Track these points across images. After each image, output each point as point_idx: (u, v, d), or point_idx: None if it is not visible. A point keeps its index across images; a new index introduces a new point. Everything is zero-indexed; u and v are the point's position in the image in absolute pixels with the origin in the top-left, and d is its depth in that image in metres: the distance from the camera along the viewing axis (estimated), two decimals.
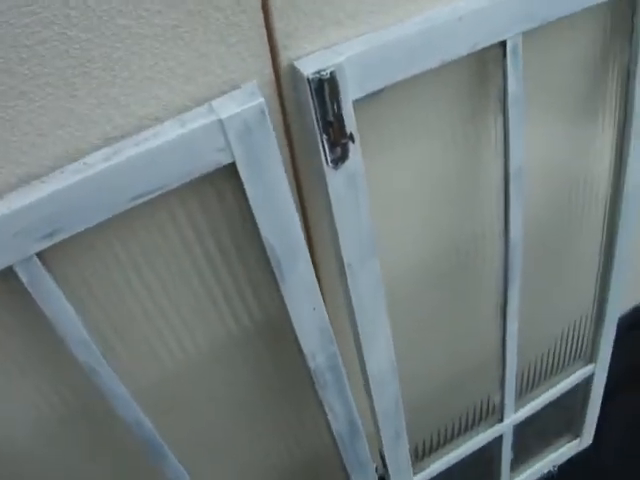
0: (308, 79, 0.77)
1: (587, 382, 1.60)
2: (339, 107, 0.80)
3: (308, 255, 0.90)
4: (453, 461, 1.44)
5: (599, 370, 1.57)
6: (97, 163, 0.74)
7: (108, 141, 0.77)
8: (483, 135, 1.04)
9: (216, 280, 0.96)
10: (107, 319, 0.90)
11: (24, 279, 0.76)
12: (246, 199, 0.82)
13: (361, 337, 1.03)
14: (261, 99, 0.75)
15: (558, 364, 1.54)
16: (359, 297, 0.98)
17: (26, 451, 0.99)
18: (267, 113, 0.76)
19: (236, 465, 1.25)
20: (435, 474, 1.43)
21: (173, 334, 0.98)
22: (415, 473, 1.39)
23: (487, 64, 0.96)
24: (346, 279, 0.96)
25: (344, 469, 1.23)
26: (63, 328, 0.81)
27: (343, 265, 0.94)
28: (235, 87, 0.81)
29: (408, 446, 1.29)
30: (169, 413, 1.04)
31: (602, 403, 1.72)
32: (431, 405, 1.37)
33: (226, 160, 0.78)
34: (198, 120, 0.75)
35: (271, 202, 0.83)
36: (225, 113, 0.75)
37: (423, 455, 1.43)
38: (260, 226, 0.84)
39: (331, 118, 0.80)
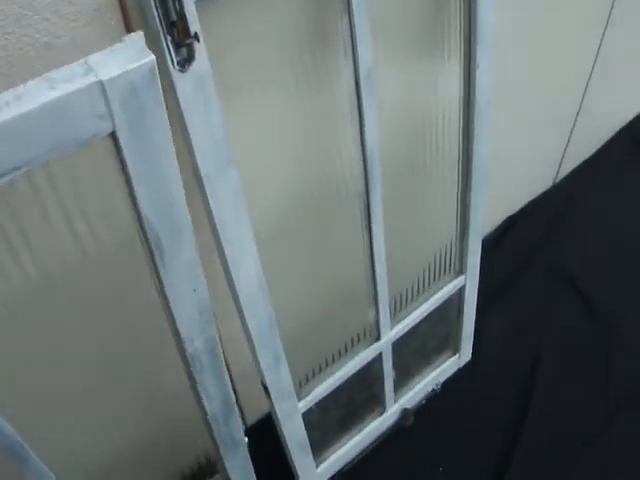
0: None
1: (459, 295, 1.65)
2: (181, 6, 0.78)
3: (192, 235, 0.86)
4: (336, 383, 1.45)
5: (469, 281, 1.61)
6: None
7: None
8: (330, 38, 1.04)
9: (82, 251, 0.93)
10: None
11: None
12: (126, 173, 0.76)
13: (227, 253, 1.01)
14: (151, 56, 0.69)
15: (430, 279, 1.58)
16: (220, 209, 0.96)
17: None
18: (157, 73, 0.70)
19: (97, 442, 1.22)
20: (320, 398, 1.44)
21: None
22: (299, 399, 1.39)
23: None
24: (205, 191, 0.94)
25: (216, 446, 1.22)
26: None
27: (200, 176, 0.92)
28: None
29: (289, 369, 1.28)
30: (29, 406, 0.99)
31: (477, 319, 1.78)
32: (308, 329, 1.39)
33: (106, 129, 0.71)
34: (73, 81, 0.67)
35: (155, 177, 0.78)
36: (107, 73, 0.68)
37: (307, 381, 1.43)
38: (140, 204, 0.79)
39: (174, 17, 0.78)
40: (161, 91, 0.73)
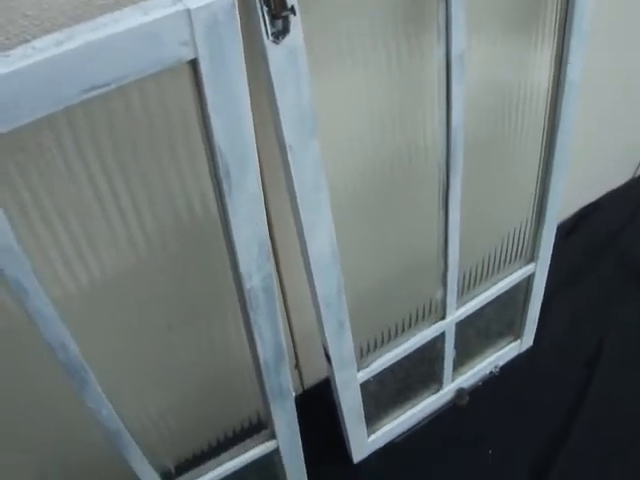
0: None
1: (528, 281, 1.64)
2: None
3: (258, 168, 0.89)
4: (397, 358, 1.47)
5: (539, 270, 1.61)
6: (47, 48, 0.68)
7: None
8: (426, 20, 1.04)
9: (164, 184, 0.95)
10: (39, 227, 0.89)
11: None
12: (202, 101, 0.79)
13: (303, 220, 1.04)
14: None
15: (500, 264, 1.57)
16: (300, 178, 0.99)
17: None
18: (237, 8, 0.74)
19: (153, 383, 1.25)
20: (379, 371, 1.46)
21: (107, 236, 0.97)
22: (359, 369, 1.41)
23: None
24: (288, 161, 0.96)
25: (264, 396, 1.25)
26: None
27: (285, 146, 0.94)
28: None
29: (352, 338, 1.30)
30: (92, 334, 1.01)
31: (542, 306, 1.78)
32: (375, 300, 1.40)
33: (189, 55, 0.75)
34: (163, 8, 0.71)
35: (229, 106, 0.81)
36: (194, 3, 0.72)
37: (368, 351, 1.45)
38: (215, 133, 0.82)
39: None
40: (239, 27, 0.76)
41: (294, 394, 1.61)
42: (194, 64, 0.76)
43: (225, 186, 0.88)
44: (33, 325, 0.86)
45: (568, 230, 2.10)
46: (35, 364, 1.02)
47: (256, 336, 1.09)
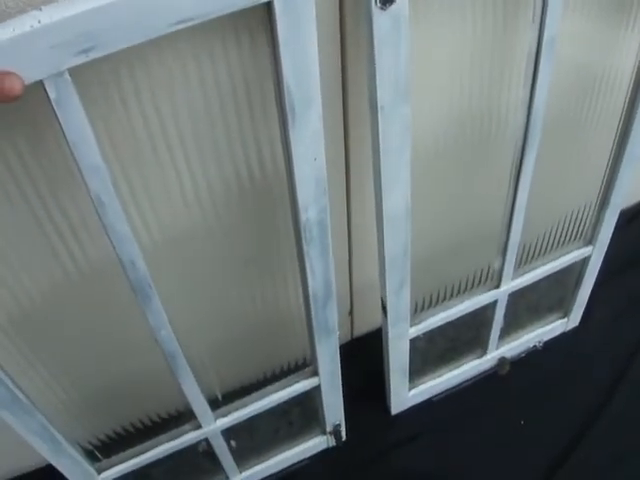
0: None
1: (583, 263, 1.68)
2: None
3: (320, 107, 0.93)
4: (449, 319, 1.53)
5: (596, 253, 1.65)
6: None
7: None
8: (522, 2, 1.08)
9: (235, 120, 1.00)
10: (121, 151, 0.94)
11: (52, 96, 0.76)
12: (274, 40, 0.85)
13: (382, 180, 1.09)
14: None
15: (559, 241, 1.61)
16: (386, 139, 1.04)
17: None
18: None
19: (211, 315, 1.33)
20: (429, 329, 1.52)
21: (181, 174, 1.03)
22: (412, 325, 1.48)
23: None
24: (377, 121, 1.01)
25: (310, 331, 1.31)
26: (80, 152, 0.82)
27: (376, 107, 1.00)
28: None
29: (409, 296, 1.37)
30: (161, 261, 1.09)
31: (594, 289, 1.82)
32: (436, 261, 1.45)
33: None
34: None
35: (298, 47, 0.86)
36: None
37: (422, 309, 1.51)
38: (284, 71, 0.87)
39: None
40: None
41: (343, 341, 1.69)
42: (269, 6, 0.81)
43: (290, 120, 0.93)
44: (107, 240, 0.94)
45: (630, 217, 2.12)
46: (105, 282, 1.10)
47: (307, 269, 1.15)
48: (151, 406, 1.43)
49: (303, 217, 1.06)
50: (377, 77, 0.96)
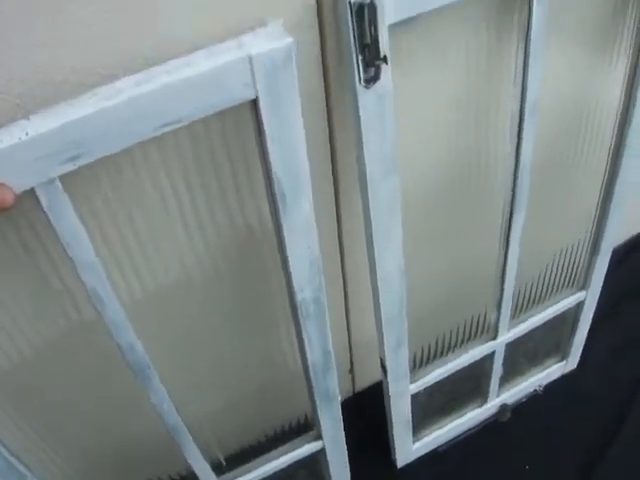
0: (350, 2, 0.83)
1: (577, 308, 1.69)
2: (376, 30, 0.86)
3: (311, 195, 0.95)
4: (448, 373, 1.53)
5: (590, 297, 1.66)
6: (128, 88, 0.76)
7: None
8: (504, 65, 1.10)
9: (222, 205, 1.03)
10: (114, 242, 0.96)
11: (44, 202, 0.78)
12: (261, 135, 0.86)
13: (375, 246, 1.11)
14: (290, 39, 0.79)
15: (552, 288, 1.62)
16: (377, 209, 1.06)
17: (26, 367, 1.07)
18: (294, 54, 0.80)
19: (210, 383, 1.34)
20: (430, 384, 1.53)
21: (170, 255, 1.05)
22: (412, 381, 1.48)
23: None
24: (367, 192, 1.03)
25: (312, 398, 1.31)
26: (75, 251, 0.84)
27: (365, 179, 1.01)
28: (279, 9, 0.86)
29: (408, 354, 1.37)
30: (157, 337, 1.10)
31: (589, 331, 1.83)
32: (431, 317, 1.46)
33: (250, 96, 0.81)
34: (228, 54, 0.78)
35: (285, 140, 0.87)
36: (255, 50, 0.78)
37: (420, 365, 1.52)
38: (272, 161, 0.89)
39: (368, 40, 0.87)
40: (295, 70, 0.82)
41: (345, 396, 1.69)
42: (255, 102, 0.83)
43: (280, 208, 0.95)
44: (105, 327, 0.96)
45: (621, 256, 2.14)
46: (105, 361, 1.11)
47: (305, 342, 1.17)
48: (154, 472, 1.43)
49: (299, 296, 1.08)
50: (365, 151, 0.98)
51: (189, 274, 1.10)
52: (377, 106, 0.93)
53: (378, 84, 0.91)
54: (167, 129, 0.79)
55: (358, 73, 0.89)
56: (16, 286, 0.95)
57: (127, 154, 0.87)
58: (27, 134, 0.72)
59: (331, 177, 1.14)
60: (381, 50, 0.89)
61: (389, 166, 1.01)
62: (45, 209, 0.79)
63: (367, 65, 0.89)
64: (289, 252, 1.01)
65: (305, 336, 1.15)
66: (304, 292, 1.08)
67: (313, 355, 1.20)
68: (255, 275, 1.17)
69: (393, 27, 0.88)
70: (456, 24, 1.01)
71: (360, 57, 0.88)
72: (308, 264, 1.04)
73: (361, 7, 0.84)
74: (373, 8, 0.84)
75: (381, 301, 1.22)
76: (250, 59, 0.78)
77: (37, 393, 1.13)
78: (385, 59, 0.89)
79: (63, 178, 0.78)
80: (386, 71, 0.91)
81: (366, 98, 0.92)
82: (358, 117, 0.94)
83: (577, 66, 1.23)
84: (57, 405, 1.17)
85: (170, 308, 1.13)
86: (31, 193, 0.77)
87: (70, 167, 0.76)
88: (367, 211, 1.07)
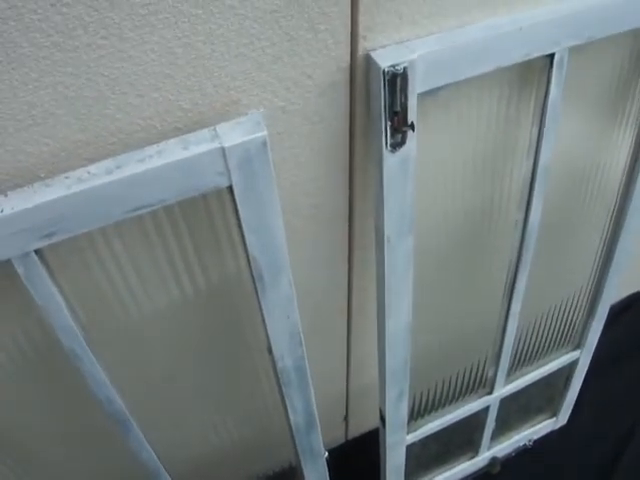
0: (383, 71, 0.86)
1: (571, 366, 1.72)
2: (406, 98, 0.89)
3: (290, 272, 0.97)
4: (443, 425, 1.55)
5: (584, 356, 1.69)
6: (100, 174, 0.78)
7: (196, 106, 0.86)
8: (520, 131, 1.14)
9: (194, 284, 1.06)
10: (88, 308, 0.99)
11: (20, 272, 0.80)
12: (238, 219, 0.88)
13: (386, 301, 1.13)
14: (264, 132, 0.81)
15: (549, 346, 1.65)
16: (392, 267, 1.08)
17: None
18: (268, 145, 0.82)
19: (190, 437, 1.35)
20: (425, 435, 1.55)
21: (153, 313, 1.07)
22: (408, 432, 1.50)
23: (534, 72, 1.05)
24: (383, 251, 1.06)
25: (297, 454, 1.33)
26: (52, 315, 0.87)
27: (383, 238, 1.04)
28: (315, 71, 0.90)
29: (407, 406, 1.39)
30: (136, 387, 1.12)
31: (581, 387, 1.85)
32: (431, 368, 1.48)
33: (224, 183, 0.83)
34: (202, 145, 0.80)
35: (262, 225, 0.90)
36: (229, 142, 0.80)
37: (417, 416, 1.54)
38: (249, 245, 0.91)
39: (398, 108, 0.90)
40: (270, 159, 0.84)
41: (338, 443, 1.70)
42: (230, 189, 0.85)
43: (259, 287, 0.97)
44: (84, 383, 0.98)
45: (616, 313, 2.17)
46: (84, 411, 1.13)
47: (288, 406, 1.19)
48: None
49: (280, 364, 1.10)
50: (385, 212, 1.00)
51: (173, 330, 1.12)
52: (401, 169, 0.96)
53: (403, 149, 0.94)
54: (139, 212, 0.81)
55: (385, 138, 0.92)
56: None
57: (105, 230, 0.91)
58: (2, 211, 0.75)
59: (347, 231, 1.16)
60: (409, 117, 0.91)
61: (406, 227, 1.04)
62: (22, 278, 0.81)
63: (395, 131, 0.92)
64: (268, 325, 1.03)
65: (287, 401, 1.17)
66: (284, 361, 1.10)
67: (296, 418, 1.22)
68: (240, 338, 1.20)
69: (421, 95, 0.91)
70: (478, 94, 1.05)
71: (389, 123, 0.91)
72: (288, 335, 1.06)
73: (394, 76, 0.87)
74: (405, 77, 0.87)
75: (387, 356, 1.24)
76: (223, 150, 0.80)
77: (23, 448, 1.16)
78: (412, 126, 0.92)
79: (41, 251, 0.81)
80: (411, 137, 0.94)
81: (391, 162, 0.95)
82: (382, 179, 0.96)
83: (586, 134, 1.27)
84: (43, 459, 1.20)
85: (152, 361, 1.15)
86: (8, 263, 0.79)
87: (46, 242, 0.79)
88: (381, 271, 1.09)
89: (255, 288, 0.98)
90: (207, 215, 0.97)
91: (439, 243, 1.27)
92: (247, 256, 0.93)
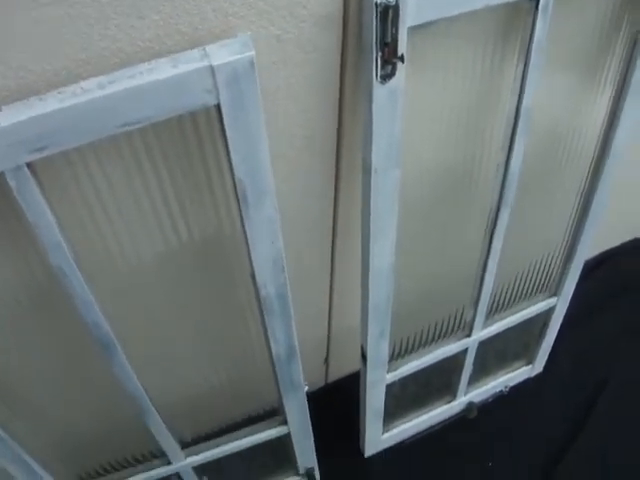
0: (376, 3, 0.89)
1: (548, 313, 1.77)
2: (397, 31, 0.92)
3: (274, 196, 0.99)
4: (422, 365, 1.60)
5: (560, 304, 1.74)
6: (92, 89, 0.80)
7: (196, 31, 0.88)
8: (505, 73, 1.17)
9: (185, 200, 1.08)
10: (78, 226, 1.01)
11: (12, 185, 0.83)
12: (225, 138, 0.91)
13: (371, 235, 1.17)
14: (252, 52, 0.83)
15: (526, 292, 1.70)
16: (377, 200, 1.12)
17: None
18: (255, 65, 0.84)
19: (178, 370, 1.39)
20: (404, 375, 1.60)
21: (138, 244, 1.10)
22: (388, 371, 1.55)
23: (520, 13, 1.08)
24: (370, 183, 1.09)
25: (277, 386, 1.36)
26: (42, 232, 0.89)
27: (370, 170, 1.07)
28: (309, 1, 0.93)
29: (388, 344, 1.44)
30: (124, 318, 1.13)
31: (556, 337, 1.91)
32: (413, 312, 1.52)
33: (212, 102, 0.85)
34: (192, 63, 0.82)
35: (247, 144, 0.92)
36: (217, 60, 0.82)
37: (397, 356, 1.59)
38: (234, 164, 0.93)
39: (388, 39, 0.93)
40: (257, 79, 0.86)
41: (317, 386, 1.75)
42: (217, 108, 0.88)
43: (243, 209, 0.99)
44: (71, 305, 1.00)
45: (591, 268, 2.23)
46: (72, 336, 1.15)
47: (270, 335, 1.22)
48: (125, 449, 1.49)
49: (263, 292, 1.13)
50: (373, 143, 1.04)
51: (160, 262, 1.14)
52: (390, 101, 1.00)
53: (393, 80, 0.98)
54: (129, 128, 0.84)
55: (376, 69, 0.95)
56: None
57: (98, 146, 0.93)
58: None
59: (334, 168, 1.19)
60: (399, 49, 0.95)
61: (393, 160, 1.08)
62: (14, 191, 0.84)
63: (385, 62, 0.95)
64: (252, 249, 1.05)
65: (269, 331, 1.20)
66: (267, 288, 1.12)
67: (278, 348, 1.25)
68: (224, 268, 1.22)
69: (411, 29, 0.95)
70: (467, 33, 1.08)
71: (379, 54, 0.94)
72: (272, 261, 1.08)
73: (386, 8, 0.90)
74: (397, 10, 0.91)
75: (370, 290, 1.28)
76: (212, 68, 0.83)
77: (10, 373, 1.18)
78: (402, 58, 0.96)
79: (32, 165, 0.83)
80: (401, 69, 0.97)
81: (380, 92, 0.98)
82: (371, 110, 1.00)
83: (568, 87, 1.31)
84: (29, 383, 1.22)
85: (139, 294, 1.18)
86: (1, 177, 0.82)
87: (37, 155, 0.81)
88: (367, 203, 1.13)
89: (240, 213, 1.00)
90: (196, 139, 0.99)
91: (423, 184, 1.30)
92: (232, 177, 0.95)
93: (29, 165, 0.82)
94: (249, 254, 1.06)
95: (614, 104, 1.32)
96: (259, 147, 0.93)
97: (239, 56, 0.83)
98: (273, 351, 1.25)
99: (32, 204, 0.86)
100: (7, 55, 0.79)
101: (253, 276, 1.10)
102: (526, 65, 1.11)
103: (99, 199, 1.00)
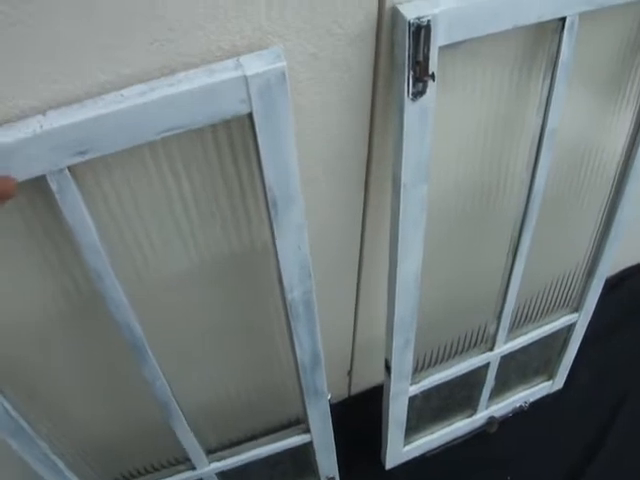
0: (409, 22, 0.93)
1: (569, 329, 1.79)
2: (428, 50, 0.96)
3: (302, 201, 1.02)
4: (445, 378, 1.63)
5: (582, 320, 1.76)
6: (133, 97, 0.84)
7: (234, 48, 0.92)
8: (531, 92, 1.20)
9: (217, 208, 1.10)
10: (117, 231, 1.04)
11: (54, 187, 0.86)
12: (257, 146, 0.94)
13: (399, 248, 1.20)
14: (284, 63, 0.87)
15: (548, 307, 1.72)
16: (405, 213, 1.15)
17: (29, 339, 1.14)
18: (286, 76, 0.88)
19: (206, 377, 1.41)
20: (427, 387, 1.62)
21: (171, 251, 1.12)
22: (412, 383, 1.57)
23: (546, 34, 1.12)
24: (399, 197, 1.12)
25: (301, 393, 1.38)
26: (80, 234, 0.92)
27: (399, 185, 1.11)
28: (345, 20, 0.97)
29: (412, 356, 1.47)
30: (155, 322, 1.16)
31: (577, 353, 1.93)
32: (437, 325, 1.55)
33: (245, 110, 0.88)
34: (226, 73, 0.86)
35: (278, 153, 0.95)
36: (251, 71, 0.86)
37: (421, 369, 1.61)
38: (265, 172, 0.96)
39: (420, 58, 0.96)
40: (288, 89, 0.89)
41: (341, 397, 1.77)
42: (250, 117, 0.92)
43: (273, 215, 1.03)
44: (105, 307, 1.04)
45: (612, 285, 2.25)
46: (104, 340, 1.19)
47: (295, 341, 1.24)
48: (150, 454, 1.52)
49: (289, 297, 1.16)
50: (403, 159, 1.07)
51: (190, 269, 1.17)
52: (420, 118, 1.03)
53: (423, 98, 1.01)
54: (167, 134, 0.88)
55: (407, 87, 0.99)
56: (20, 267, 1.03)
57: (136, 152, 0.96)
58: (42, 127, 0.81)
59: (363, 181, 1.23)
60: (430, 68, 0.99)
61: (422, 175, 1.11)
62: (55, 193, 0.87)
63: (416, 80, 0.99)
64: (280, 253, 1.08)
65: (295, 335, 1.23)
66: (294, 292, 1.15)
67: (303, 354, 1.27)
68: (253, 274, 1.24)
69: (442, 48, 0.98)
70: (494, 52, 1.11)
71: (411, 72, 0.98)
72: (298, 266, 1.11)
73: (419, 28, 0.94)
74: (428, 30, 0.94)
75: (396, 302, 1.31)
76: (245, 78, 0.86)
77: (41, 376, 1.21)
78: (433, 76, 0.99)
79: (73, 169, 0.87)
80: (431, 87, 1.01)
81: (411, 110, 1.02)
82: (402, 126, 1.03)
83: (591, 105, 1.34)
84: (60, 387, 1.25)
85: (170, 300, 1.20)
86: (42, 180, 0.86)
87: (78, 159, 0.85)
88: (396, 217, 1.16)
89: (269, 218, 1.03)
90: (230, 149, 1.02)
91: (450, 199, 1.33)
92: (262, 183, 0.99)
93: (70, 169, 0.86)
94: (277, 258, 1.09)
95: (636, 122, 1.34)
96: (288, 155, 0.96)
97: (271, 66, 0.87)
98: (298, 358, 1.28)
99: (71, 205, 0.90)
100: (63, 63, 0.82)
101: (280, 280, 1.13)
102: (552, 83, 1.15)
103: (136, 206, 1.03)
